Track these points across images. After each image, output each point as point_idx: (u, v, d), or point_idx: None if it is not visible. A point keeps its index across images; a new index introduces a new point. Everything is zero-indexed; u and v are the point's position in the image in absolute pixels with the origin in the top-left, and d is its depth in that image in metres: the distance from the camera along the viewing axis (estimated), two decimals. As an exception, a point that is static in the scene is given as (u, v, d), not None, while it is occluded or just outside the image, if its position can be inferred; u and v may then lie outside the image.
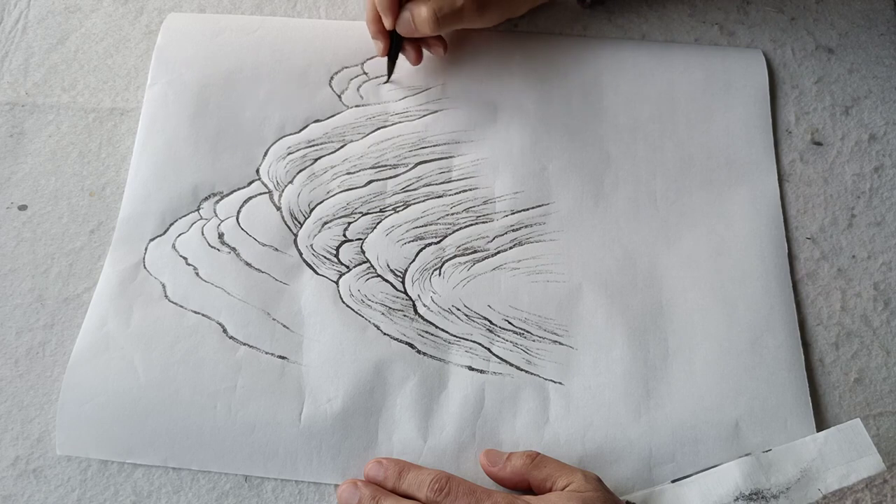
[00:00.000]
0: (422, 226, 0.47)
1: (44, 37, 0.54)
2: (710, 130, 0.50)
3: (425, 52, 0.51)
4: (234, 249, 0.46)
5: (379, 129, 0.50)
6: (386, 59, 0.50)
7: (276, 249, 0.46)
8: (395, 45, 0.50)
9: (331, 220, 0.47)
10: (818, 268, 0.47)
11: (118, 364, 0.42)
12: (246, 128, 0.50)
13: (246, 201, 0.48)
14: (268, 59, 0.52)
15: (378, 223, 0.47)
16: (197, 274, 0.45)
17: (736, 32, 0.54)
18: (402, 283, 0.46)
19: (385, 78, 0.51)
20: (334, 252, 0.46)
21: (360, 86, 0.52)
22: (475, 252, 0.47)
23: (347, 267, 0.46)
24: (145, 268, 0.45)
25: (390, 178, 0.49)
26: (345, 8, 0.55)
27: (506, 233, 0.47)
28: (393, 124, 0.50)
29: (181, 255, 0.46)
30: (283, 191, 0.48)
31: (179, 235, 0.46)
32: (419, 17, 0.47)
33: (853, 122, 0.51)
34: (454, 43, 0.53)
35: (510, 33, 0.54)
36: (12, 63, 0.53)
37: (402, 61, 0.51)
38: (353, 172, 0.49)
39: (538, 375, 0.43)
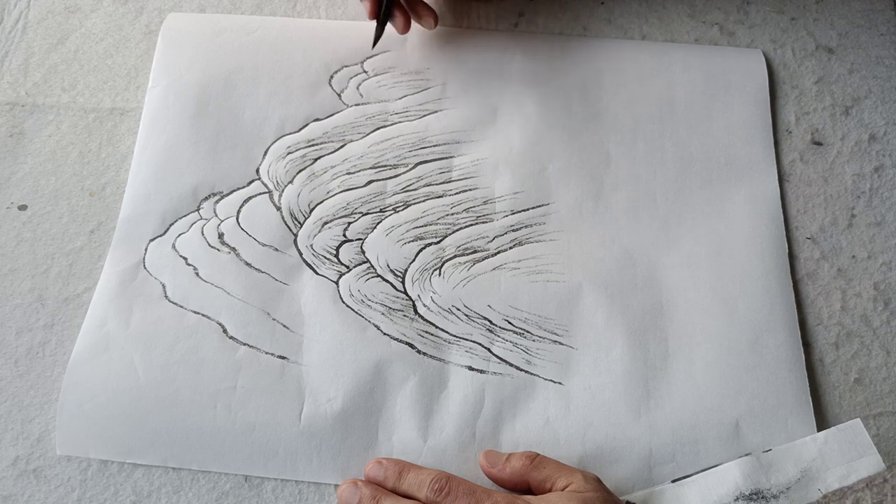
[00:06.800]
0: (422, 226, 0.47)
1: (44, 37, 0.54)
2: (710, 130, 0.50)
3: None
4: (234, 249, 0.46)
5: (379, 128, 0.50)
6: (374, 23, 0.49)
7: (276, 249, 0.46)
8: (383, 7, 0.49)
9: (331, 220, 0.47)
10: (818, 268, 0.47)
11: (118, 364, 0.42)
12: (246, 128, 0.50)
13: (246, 201, 0.48)
14: (268, 59, 0.52)
15: (378, 223, 0.47)
16: (197, 274, 0.45)
17: (736, 32, 0.54)
18: (402, 283, 0.46)
19: (371, 43, 0.50)
20: (334, 252, 0.46)
21: (359, 84, 0.52)
22: (475, 252, 0.47)
23: (347, 267, 0.46)
24: (145, 268, 0.45)
25: (390, 178, 0.49)
26: (345, 8, 0.55)
27: (506, 233, 0.47)
28: (393, 124, 0.50)
29: (181, 255, 0.46)
30: (283, 191, 0.48)
31: (179, 235, 0.46)
32: None
33: (853, 122, 0.51)
34: (455, 42, 0.53)
35: (510, 33, 0.54)
36: (12, 63, 0.53)
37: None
38: (353, 172, 0.49)
39: (538, 375, 0.43)
